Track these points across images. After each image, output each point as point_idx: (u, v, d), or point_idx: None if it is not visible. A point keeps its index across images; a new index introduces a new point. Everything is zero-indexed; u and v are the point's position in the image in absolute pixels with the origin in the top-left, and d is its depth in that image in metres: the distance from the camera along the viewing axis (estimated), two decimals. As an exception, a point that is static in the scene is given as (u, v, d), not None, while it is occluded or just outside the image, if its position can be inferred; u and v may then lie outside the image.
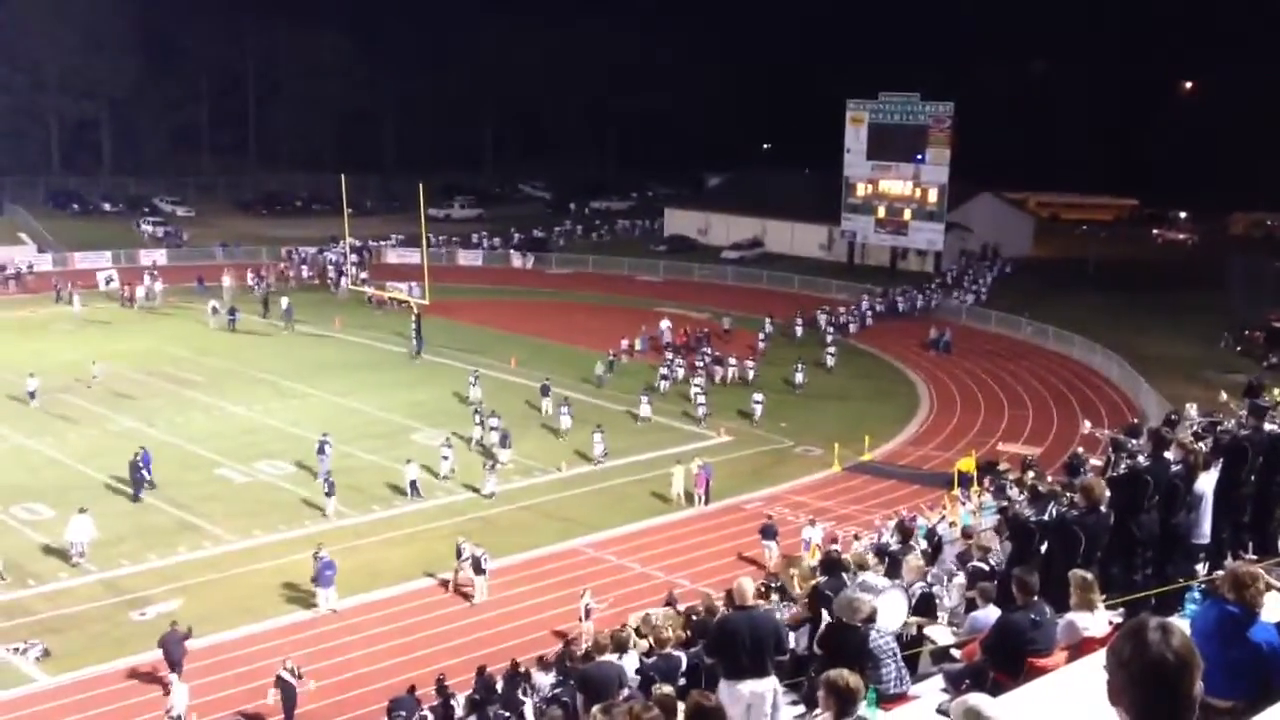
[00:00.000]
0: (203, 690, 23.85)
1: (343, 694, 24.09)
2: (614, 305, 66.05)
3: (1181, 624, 6.85)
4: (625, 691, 11.95)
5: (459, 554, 29.53)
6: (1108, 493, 10.79)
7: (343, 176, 59.40)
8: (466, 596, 29.03)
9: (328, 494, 34.08)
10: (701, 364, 51.33)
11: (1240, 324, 55.30)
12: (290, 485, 36.03)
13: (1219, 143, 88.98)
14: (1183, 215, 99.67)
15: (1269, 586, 7.56)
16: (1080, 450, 15.70)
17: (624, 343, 54.39)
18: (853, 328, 62.30)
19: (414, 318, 54.51)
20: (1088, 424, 27.67)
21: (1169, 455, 11.00)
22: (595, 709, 10.77)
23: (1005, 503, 11.34)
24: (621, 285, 73.32)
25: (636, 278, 76.10)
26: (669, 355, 52.86)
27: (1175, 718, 3.34)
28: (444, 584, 29.69)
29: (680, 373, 50.28)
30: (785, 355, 53.40)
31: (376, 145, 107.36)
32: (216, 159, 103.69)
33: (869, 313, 64.62)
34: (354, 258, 70.13)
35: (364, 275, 67.64)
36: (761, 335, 57.31)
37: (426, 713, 18.62)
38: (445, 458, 37.39)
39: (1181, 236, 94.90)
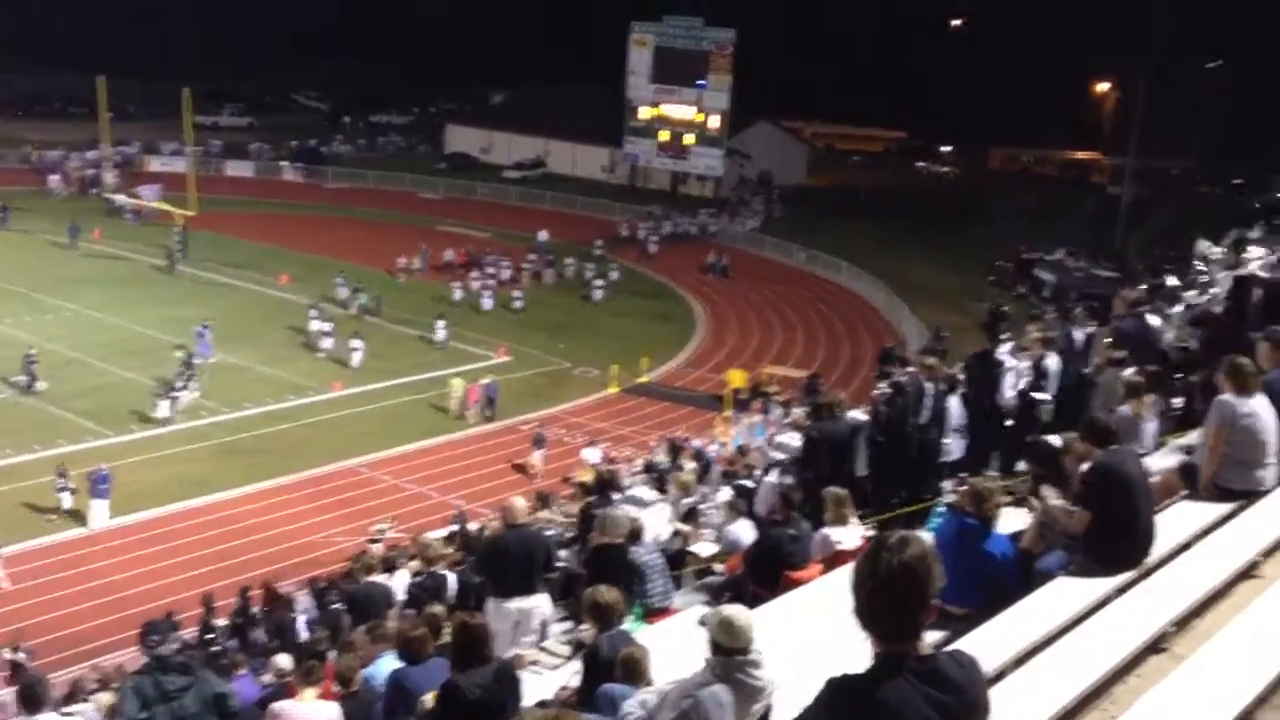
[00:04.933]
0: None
1: (105, 617, 23.14)
2: (393, 222, 64.43)
3: (926, 537, 7.21)
4: (394, 610, 11.89)
5: None
6: (854, 413, 11.28)
7: (100, 79, 55.71)
8: None
9: (182, 387, 34.20)
10: (527, 266, 54.09)
11: (1002, 254, 58.27)
12: (42, 404, 34.01)
13: (981, 81, 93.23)
14: (946, 149, 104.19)
15: (1004, 501, 8.05)
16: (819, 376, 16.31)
17: (401, 261, 53.29)
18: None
19: (178, 229, 51.87)
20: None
21: (912, 373, 11.53)
22: (360, 629, 10.71)
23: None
24: (401, 202, 71.49)
25: (417, 195, 74.39)
26: (496, 261, 54.02)
27: (908, 625, 3.47)
28: None
29: (507, 273, 52.59)
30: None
31: (142, 48, 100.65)
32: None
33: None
34: (117, 158, 66.26)
35: (120, 184, 63.62)
36: (599, 242, 59.55)
37: (184, 636, 18.03)
38: (356, 349, 39.11)
39: (944, 169, 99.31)
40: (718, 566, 11.37)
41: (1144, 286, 14.40)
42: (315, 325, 41.53)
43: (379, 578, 13.18)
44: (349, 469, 31.90)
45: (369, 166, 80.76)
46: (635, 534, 10.03)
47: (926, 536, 6.52)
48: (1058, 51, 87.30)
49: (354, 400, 36.78)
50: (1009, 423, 11.95)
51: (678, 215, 68.77)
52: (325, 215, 66.06)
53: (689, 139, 75.06)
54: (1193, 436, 9.16)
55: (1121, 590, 6.41)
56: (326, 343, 40.61)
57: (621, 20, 76.66)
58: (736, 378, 38.21)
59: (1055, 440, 8.74)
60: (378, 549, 17.01)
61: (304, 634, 14.35)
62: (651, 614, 9.90)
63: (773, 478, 12.64)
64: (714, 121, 74.00)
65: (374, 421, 35.35)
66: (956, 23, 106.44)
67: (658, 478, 18.21)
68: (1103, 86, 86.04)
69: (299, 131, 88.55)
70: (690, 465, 19.62)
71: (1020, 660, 5.61)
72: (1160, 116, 62.80)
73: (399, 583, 13.19)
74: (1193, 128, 71.06)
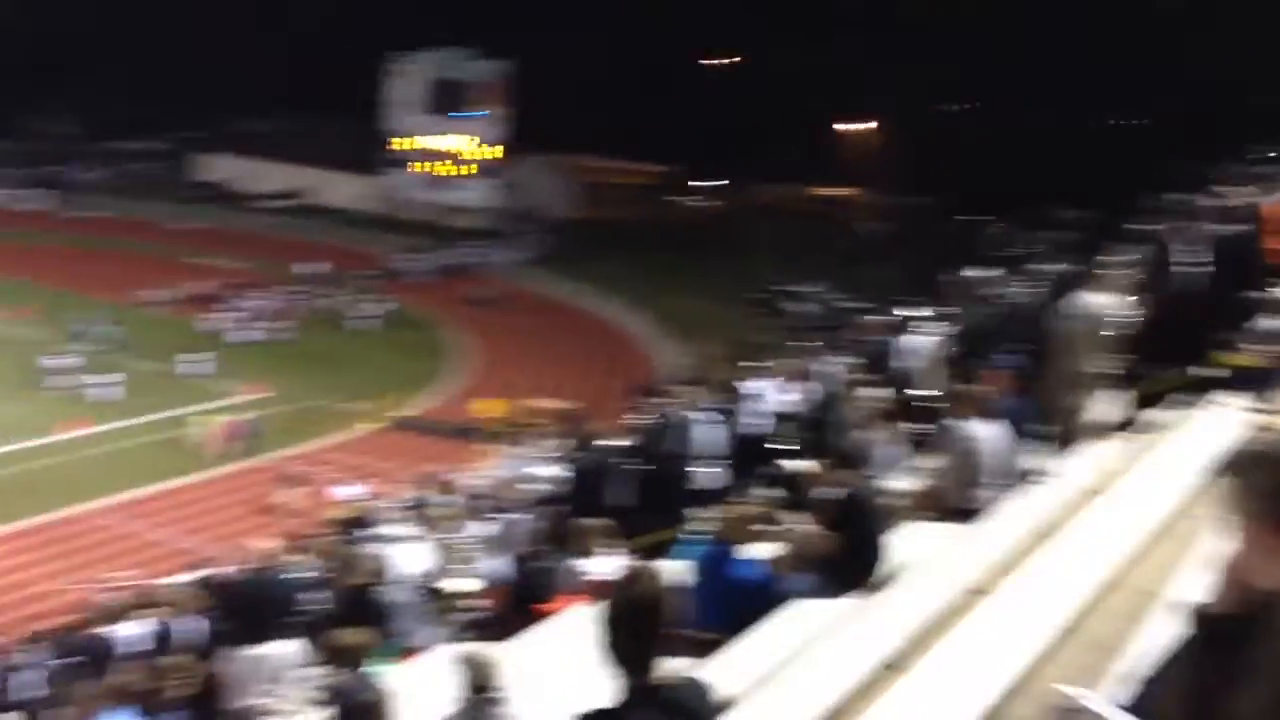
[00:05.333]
0: None
1: None
2: (141, 253, 61.46)
3: (667, 568, 7.23)
4: (126, 662, 11.16)
5: None
6: (614, 443, 11.34)
7: None
8: None
9: None
10: (285, 298, 52.49)
11: (758, 287, 60.18)
12: None
13: (744, 118, 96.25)
14: (712, 183, 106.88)
15: (760, 528, 8.18)
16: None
17: (149, 294, 50.84)
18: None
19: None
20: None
21: (671, 403, 11.68)
22: (87, 683, 10.00)
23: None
24: (149, 232, 68.24)
25: (166, 225, 71.10)
26: (251, 294, 52.02)
27: (648, 656, 3.54)
28: None
29: (264, 305, 50.82)
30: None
31: None
32: None
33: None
34: None
35: None
36: (362, 274, 59.33)
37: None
38: (98, 386, 37.91)
39: (709, 204, 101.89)
40: (475, 602, 11.17)
41: (887, 316, 15.06)
42: (52, 361, 39.03)
43: (111, 628, 12.35)
44: (84, 514, 30.10)
45: (116, 195, 76.75)
46: (383, 572, 9.74)
47: (669, 567, 6.54)
48: (813, 91, 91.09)
49: (93, 440, 34.72)
50: (761, 449, 12.21)
51: (444, 247, 68.17)
52: (67, 246, 62.33)
53: (456, 170, 74.62)
54: (930, 460, 9.56)
55: (858, 610, 6.58)
56: (63, 380, 38.19)
57: (386, 49, 75.62)
58: (496, 409, 38.05)
59: (801, 465, 8.96)
60: (111, 598, 15.99)
61: (27, 692, 13.29)
62: (403, 653, 9.62)
63: (531, 511, 12.53)
64: (482, 153, 73.86)
65: (115, 462, 33.47)
66: (719, 62, 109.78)
67: (417, 513, 17.78)
68: (856, 126, 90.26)
69: (40, 157, 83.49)
70: (450, 500, 19.27)
71: (761, 682, 5.66)
72: (909, 155, 66.40)
73: (133, 632, 12.37)
74: (938, 167, 75.20)
